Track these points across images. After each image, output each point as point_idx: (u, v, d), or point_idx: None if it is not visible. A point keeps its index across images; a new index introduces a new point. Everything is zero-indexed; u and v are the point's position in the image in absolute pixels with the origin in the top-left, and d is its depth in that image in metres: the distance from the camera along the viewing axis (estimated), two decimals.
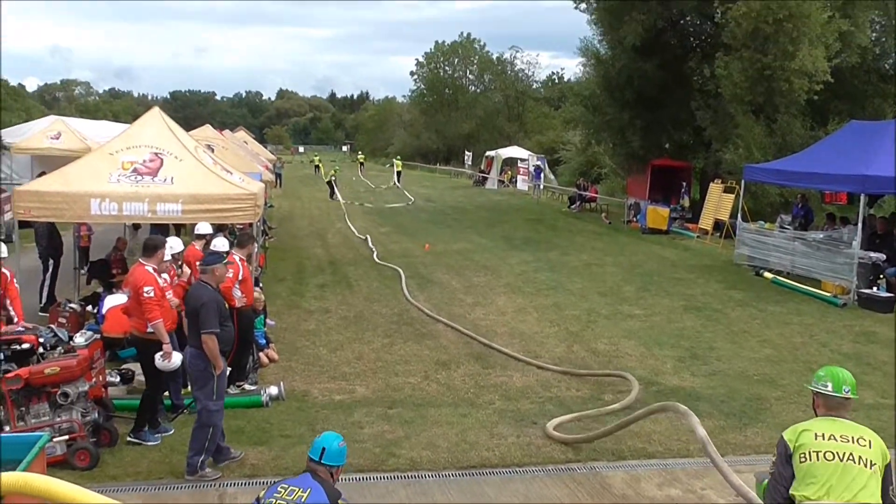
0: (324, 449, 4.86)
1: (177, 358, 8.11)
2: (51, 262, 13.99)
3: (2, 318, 9.09)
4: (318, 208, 34.37)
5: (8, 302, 9.30)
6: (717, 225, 24.08)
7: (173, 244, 9.92)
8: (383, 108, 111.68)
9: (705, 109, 25.62)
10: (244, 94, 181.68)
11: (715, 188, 24.37)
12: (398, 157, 60.12)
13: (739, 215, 20.51)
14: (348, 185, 47.60)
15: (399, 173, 51.91)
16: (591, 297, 16.25)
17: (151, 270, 8.37)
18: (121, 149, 11.57)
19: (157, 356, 8.13)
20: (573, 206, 34.76)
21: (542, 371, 10.99)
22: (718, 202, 23.88)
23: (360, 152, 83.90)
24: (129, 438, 8.18)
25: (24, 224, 12.08)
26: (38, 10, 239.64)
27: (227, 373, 7.98)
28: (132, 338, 8.60)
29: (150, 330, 8.18)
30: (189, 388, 8.38)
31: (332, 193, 39.00)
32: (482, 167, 54.04)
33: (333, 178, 40.63)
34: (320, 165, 60.18)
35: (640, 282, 17.88)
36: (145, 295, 8.12)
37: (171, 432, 8.43)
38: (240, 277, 9.86)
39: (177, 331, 8.67)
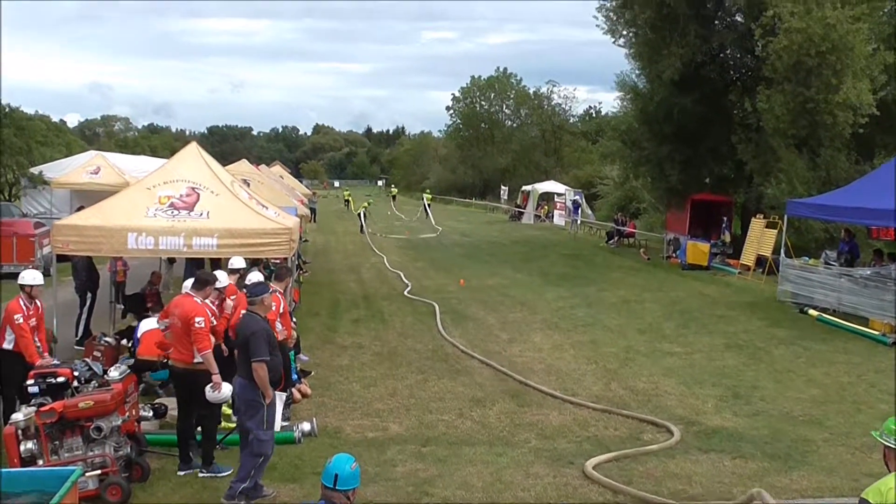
0: (336, 475, 4.74)
1: (227, 389, 8.23)
2: (88, 296, 14.15)
3: (39, 351, 9.21)
4: (353, 242, 34.62)
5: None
6: (760, 261, 23.75)
7: (220, 278, 10.13)
8: (419, 143, 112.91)
9: (746, 143, 25.41)
10: (280, 129, 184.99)
11: (757, 223, 24.08)
12: (427, 190, 61.09)
13: (783, 251, 20.22)
14: (383, 219, 48.06)
15: (428, 206, 53.09)
16: (630, 334, 16.07)
17: (200, 302, 8.59)
18: (158, 183, 11.68)
19: (208, 388, 8.23)
20: (611, 242, 34.56)
21: (580, 409, 10.86)
22: (760, 237, 23.58)
23: (392, 185, 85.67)
24: (201, 474, 8.26)
25: (61, 258, 12.24)
26: (79, 46, 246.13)
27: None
28: (176, 370, 8.66)
29: (196, 360, 8.31)
30: (225, 422, 8.44)
31: (362, 227, 39.37)
32: (518, 202, 54.16)
33: (364, 211, 40.95)
34: (351, 200, 62.08)
35: (679, 319, 17.68)
36: (197, 325, 8.28)
37: (226, 473, 8.27)
38: (281, 310, 9.93)
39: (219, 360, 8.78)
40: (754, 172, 25.62)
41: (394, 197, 70.93)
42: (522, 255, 30.04)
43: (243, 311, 8.20)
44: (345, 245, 33.70)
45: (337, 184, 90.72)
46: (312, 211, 44.14)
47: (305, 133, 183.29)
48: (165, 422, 9.31)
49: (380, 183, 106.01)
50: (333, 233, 39.67)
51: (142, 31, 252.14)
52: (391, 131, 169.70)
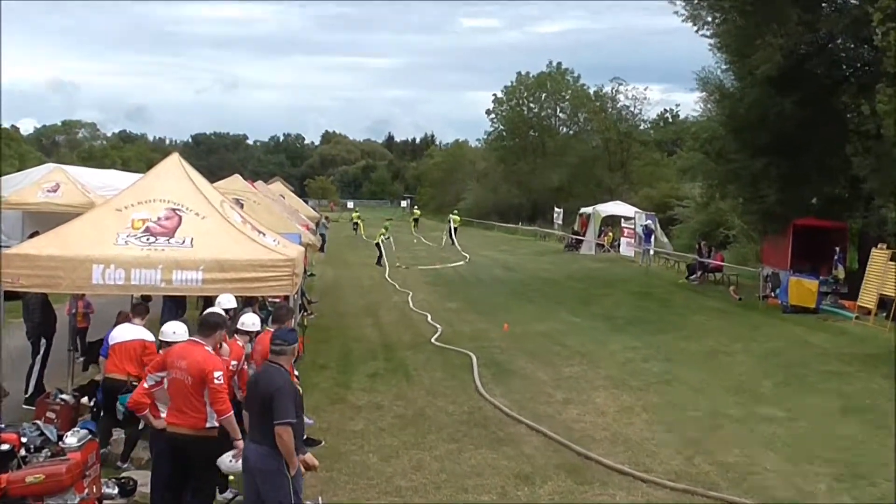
0: None
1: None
2: (42, 342, 14.06)
3: None
4: (370, 277, 34.72)
5: None
6: (883, 302, 23.41)
7: (251, 321, 10.51)
8: (452, 155, 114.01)
9: (864, 155, 25.05)
10: (282, 138, 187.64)
11: (879, 255, 23.80)
12: (455, 211, 61.46)
13: None
14: (406, 248, 48.16)
15: (455, 230, 54.26)
16: (717, 393, 15.90)
17: (212, 352, 8.67)
18: (131, 203, 11.77)
19: (227, 457, 8.29)
20: (692, 277, 34.33)
21: (655, 489, 10.72)
22: (884, 273, 23.29)
23: (415, 207, 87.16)
24: None
25: (11, 296, 12.06)
26: (37, 35, 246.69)
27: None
28: (178, 439, 8.57)
29: (208, 425, 8.36)
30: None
31: (380, 258, 39.52)
32: (576, 227, 54.02)
33: (383, 238, 41.03)
34: (360, 223, 63.45)
35: (780, 375, 17.47)
36: (216, 382, 8.32)
37: None
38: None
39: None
40: (874, 192, 25.26)
41: (416, 221, 72.04)
42: (581, 294, 29.95)
43: (265, 363, 8.26)
44: (359, 280, 33.77)
45: (350, 205, 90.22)
46: (322, 238, 44.46)
47: (312, 143, 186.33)
48: (135, 501, 9.26)
49: (403, 204, 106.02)
50: (346, 265, 39.79)
51: (114, 18, 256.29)
52: (418, 141, 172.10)
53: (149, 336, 11.35)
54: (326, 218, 52.94)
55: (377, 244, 41.01)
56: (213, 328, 8.78)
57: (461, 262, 41.90)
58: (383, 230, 42.32)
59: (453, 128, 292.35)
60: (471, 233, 67.55)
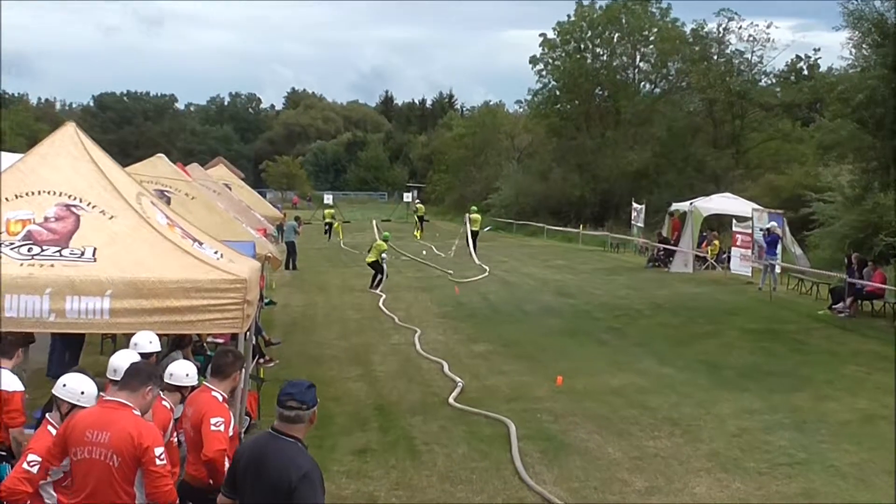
0: None
1: None
2: None
3: None
4: (358, 307, 34.50)
5: None
6: None
7: (185, 371, 10.80)
8: (480, 125, 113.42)
9: None
10: (227, 101, 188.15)
11: None
12: (474, 208, 60.53)
13: None
14: (410, 263, 48.06)
15: (475, 233, 55.73)
16: (877, 481, 15.71)
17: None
18: (4, 198, 11.77)
19: None
20: (839, 307, 34.04)
21: None
22: None
23: (417, 201, 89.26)
24: None
25: None
26: None
27: None
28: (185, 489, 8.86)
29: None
30: None
31: (377, 280, 39.27)
32: (664, 232, 53.50)
33: (383, 259, 39.70)
34: (336, 224, 66.24)
35: None
36: (158, 463, 8.45)
37: None
38: (230, 433, 9.97)
39: None
40: None
41: (420, 219, 74.25)
42: (673, 333, 29.78)
43: (268, 434, 8.01)
44: (342, 311, 33.68)
45: (328, 199, 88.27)
46: (288, 249, 45.16)
47: (272, 107, 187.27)
48: None
49: (407, 198, 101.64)
50: (322, 288, 39.62)
51: None
52: (429, 104, 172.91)
53: (13, 385, 11.26)
54: (297, 219, 53.08)
55: (374, 263, 39.68)
56: (144, 382, 8.79)
57: (480, 277, 43.81)
58: (379, 246, 40.09)
59: (482, 85, 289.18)
60: (506, 242, 68.43)
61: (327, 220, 68.35)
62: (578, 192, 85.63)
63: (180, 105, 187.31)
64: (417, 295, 37.51)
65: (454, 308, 34.52)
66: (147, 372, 8.96)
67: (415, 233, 68.97)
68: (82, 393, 9.38)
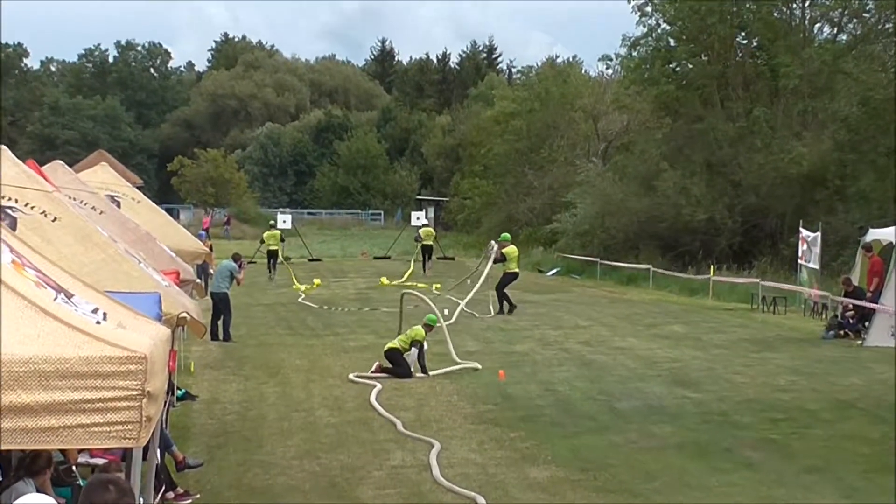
0: None
1: None
2: None
3: None
4: (333, 403, 25.61)
5: None
6: None
7: None
8: (541, 97, 80.00)
9: None
10: (112, 55, 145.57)
11: None
12: (506, 235, 45.60)
13: None
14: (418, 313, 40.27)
15: (499, 261, 41.53)
16: None
17: None
18: None
19: None
20: None
21: None
22: None
23: (424, 222, 66.53)
24: None
25: None
26: None
27: None
28: None
29: None
30: None
31: (422, 366, 28.54)
32: (853, 277, 39.04)
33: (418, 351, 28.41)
34: (279, 251, 53.71)
35: None
36: None
37: None
38: None
39: None
40: None
41: (425, 249, 58.18)
42: (869, 452, 21.69)
43: None
44: (309, 410, 24.52)
45: (285, 221, 65.17)
46: (218, 306, 32.79)
47: (191, 66, 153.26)
48: None
49: (417, 219, 70.65)
50: (274, 371, 29.85)
51: None
52: (455, 62, 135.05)
53: None
54: (235, 258, 35.65)
55: (397, 353, 28.36)
56: None
57: (493, 315, 38.10)
58: (416, 334, 28.31)
59: (543, 29, 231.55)
60: (586, 295, 50.55)
61: (269, 247, 54.05)
62: (707, 212, 57.47)
63: (32, 62, 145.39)
64: (434, 383, 28.10)
65: (498, 405, 26.23)
66: None
67: (422, 264, 56.01)
68: None
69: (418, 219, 69.47)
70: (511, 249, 41.90)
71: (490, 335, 35.45)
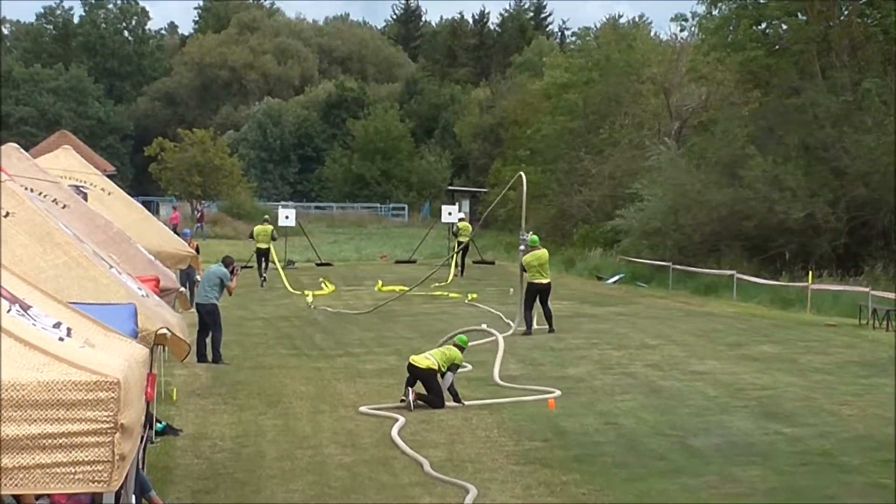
0: None
1: None
2: None
3: None
4: (346, 439, 23.05)
5: None
6: None
7: None
8: (600, 65, 71.27)
9: None
10: (77, 15, 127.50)
11: None
12: (532, 233, 39.82)
13: None
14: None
15: (539, 269, 36.27)
16: None
17: None
18: None
19: None
20: None
21: None
22: None
23: (461, 215, 59.98)
24: None
25: None
26: None
27: None
28: None
29: None
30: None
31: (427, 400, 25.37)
32: None
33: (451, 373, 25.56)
34: (271, 248, 48.89)
35: None
36: None
37: None
38: None
39: None
40: None
41: (461, 245, 52.92)
42: None
43: None
44: (317, 448, 21.78)
45: (288, 218, 59.49)
46: (206, 319, 29.09)
47: (173, 27, 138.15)
48: None
49: (450, 214, 62.62)
50: (274, 401, 26.72)
51: None
52: (494, 23, 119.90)
53: None
54: (226, 261, 31.64)
55: (432, 373, 25.34)
56: None
57: (506, 331, 31.83)
58: (452, 356, 25.55)
59: None
60: (657, 306, 44.94)
61: (259, 244, 48.85)
62: (805, 207, 49.53)
63: None
64: (470, 414, 25.29)
65: (547, 441, 23.73)
66: None
67: (453, 266, 50.67)
68: None
69: (450, 214, 61.58)
70: (532, 257, 35.65)
71: (537, 356, 31.97)
